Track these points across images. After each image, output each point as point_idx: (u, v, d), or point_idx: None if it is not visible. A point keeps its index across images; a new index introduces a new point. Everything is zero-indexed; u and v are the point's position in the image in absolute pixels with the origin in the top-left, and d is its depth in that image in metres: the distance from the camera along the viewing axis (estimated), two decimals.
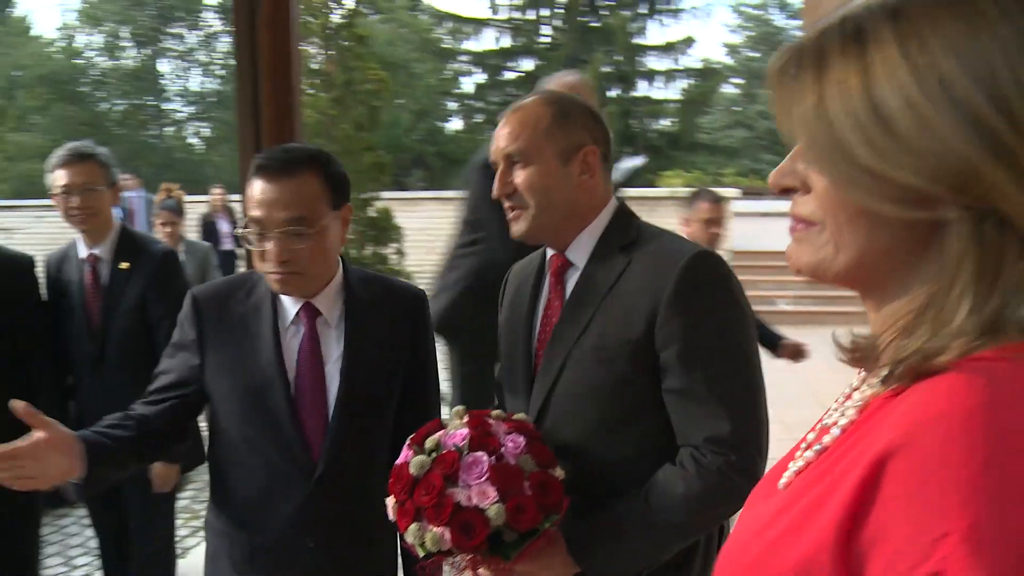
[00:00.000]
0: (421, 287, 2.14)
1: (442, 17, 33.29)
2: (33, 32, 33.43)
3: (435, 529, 1.47)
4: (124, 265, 3.13)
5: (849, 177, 0.74)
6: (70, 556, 4.49)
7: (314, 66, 7.37)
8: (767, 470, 0.89)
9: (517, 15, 32.61)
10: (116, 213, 3.27)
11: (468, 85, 34.47)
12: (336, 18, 7.72)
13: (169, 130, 37.65)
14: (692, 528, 1.62)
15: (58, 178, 3.05)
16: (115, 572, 3.34)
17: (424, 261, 14.71)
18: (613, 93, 30.74)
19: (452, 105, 34.92)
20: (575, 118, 1.70)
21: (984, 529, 0.58)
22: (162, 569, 3.30)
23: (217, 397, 1.92)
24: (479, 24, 32.73)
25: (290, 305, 1.92)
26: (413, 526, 1.50)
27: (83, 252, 3.14)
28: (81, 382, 3.16)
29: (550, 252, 1.80)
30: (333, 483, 1.88)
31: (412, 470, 1.53)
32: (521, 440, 1.54)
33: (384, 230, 7.18)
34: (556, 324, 1.71)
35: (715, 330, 1.58)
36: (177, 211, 6.12)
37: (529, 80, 29.07)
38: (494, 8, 32.46)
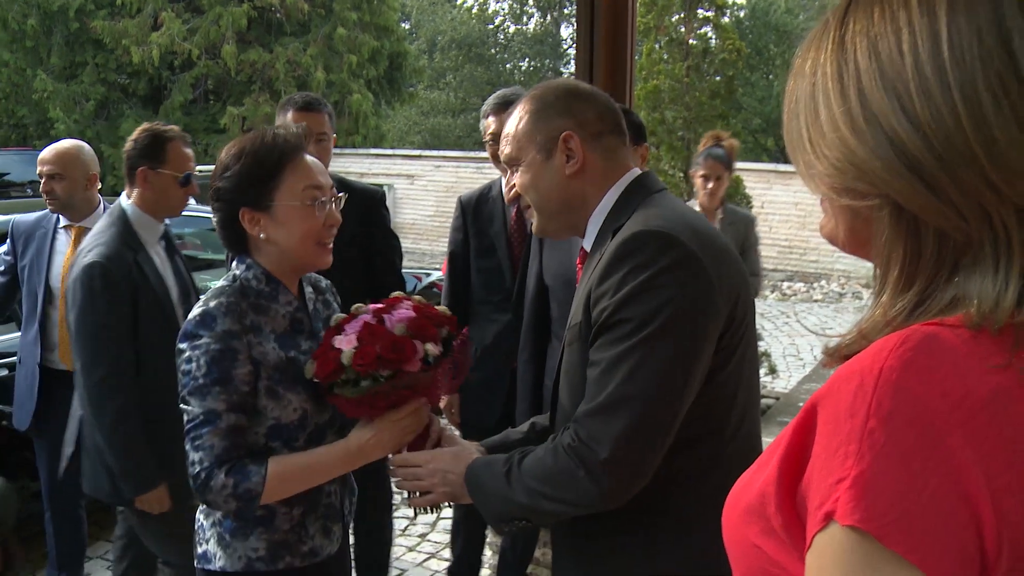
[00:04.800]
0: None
1: None
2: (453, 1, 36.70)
3: (312, 360, 1.82)
4: None
5: (799, 163, 0.79)
6: None
7: (673, 36, 7.38)
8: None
9: None
10: None
11: None
12: None
13: None
14: (538, 499, 1.56)
15: (488, 124, 3.14)
16: None
17: (794, 236, 14.09)
18: None
19: None
20: (552, 106, 1.68)
21: (868, 478, 0.64)
22: None
23: None
24: None
25: None
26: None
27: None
28: (490, 316, 3.26)
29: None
30: None
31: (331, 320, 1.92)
32: (407, 314, 1.81)
33: (731, 198, 7.13)
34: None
35: (629, 308, 1.48)
36: (726, 163, 4.41)
37: None
38: None
